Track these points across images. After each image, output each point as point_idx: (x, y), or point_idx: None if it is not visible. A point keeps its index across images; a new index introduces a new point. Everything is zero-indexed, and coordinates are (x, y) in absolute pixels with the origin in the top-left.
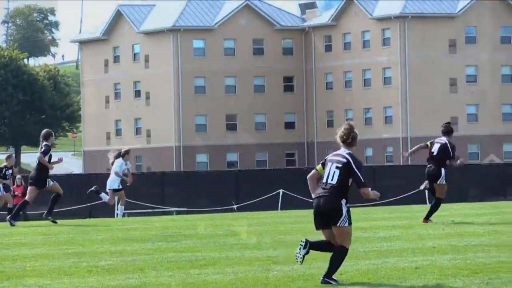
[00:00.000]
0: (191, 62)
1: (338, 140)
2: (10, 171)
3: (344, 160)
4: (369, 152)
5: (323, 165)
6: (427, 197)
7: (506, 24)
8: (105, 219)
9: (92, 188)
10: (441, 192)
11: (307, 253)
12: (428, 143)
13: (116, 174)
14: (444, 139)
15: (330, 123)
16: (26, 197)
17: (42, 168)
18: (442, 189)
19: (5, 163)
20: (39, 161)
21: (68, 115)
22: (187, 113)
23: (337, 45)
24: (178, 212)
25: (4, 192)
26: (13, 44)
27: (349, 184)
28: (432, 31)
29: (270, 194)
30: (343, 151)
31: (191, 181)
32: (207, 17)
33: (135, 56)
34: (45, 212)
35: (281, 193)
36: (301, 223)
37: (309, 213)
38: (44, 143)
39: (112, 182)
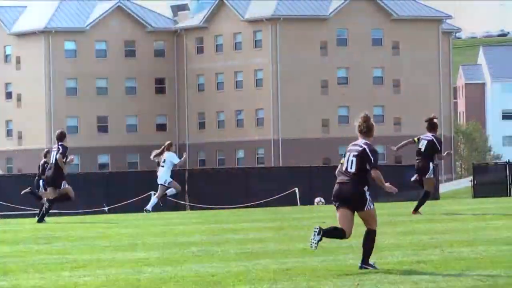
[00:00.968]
0: (63, 63)
1: (356, 131)
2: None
3: (360, 149)
4: (241, 154)
5: (344, 156)
6: (298, 198)
7: (377, 26)
8: None
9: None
10: (429, 185)
11: (320, 239)
12: (416, 139)
13: (179, 163)
14: (429, 136)
15: (201, 125)
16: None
17: (59, 169)
18: (430, 183)
19: (44, 159)
20: (56, 162)
21: None
22: (58, 115)
23: (209, 47)
24: (50, 214)
25: (44, 190)
26: None
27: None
28: (304, 33)
29: (141, 196)
30: (360, 141)
31: None
32: (79, 19)
33: (6, 57)
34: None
35: (153, 195)
36: (172, 225)
37: (181, 215)
38: (60, 143)
39: (167, 175)
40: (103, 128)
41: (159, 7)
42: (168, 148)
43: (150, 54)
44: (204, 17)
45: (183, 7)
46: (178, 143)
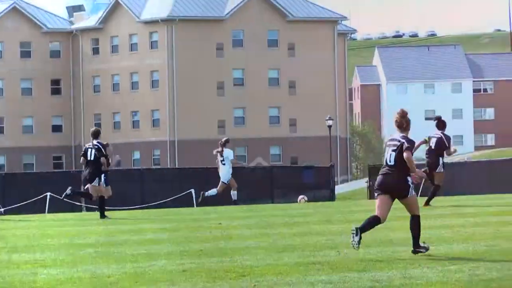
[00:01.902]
0: None
1: (394, 126)
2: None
3: (398, 143)
4: (137, 155)
5: (385, 150)
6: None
7: (273, 27)
8: None
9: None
10: (439, 179)
11: (360, 238)
12: (426, 138)
13: (232, 161)
14: (439, 133)
15: (97, 126)
16: (97, 194)
17: (100, 166)
18: (440, 177)
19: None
20: (96, 159)
21: None
22: None
23: (104, 48)
24: None
25: (105, 185)
26: None
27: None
28: (199, 34)
29: (37, 197)
30: (398, 135)
31: None
32: None
33: None
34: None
35: (48, 196)
36: (69, 226)
37: (77, 216)
38: (97, 140)
39: (229, 173)
40: None
41: (55, 8)
42: (225, 144)
43: (46, 55)
44: (99, 18)
45: (79, 8)
46: (74, 144)
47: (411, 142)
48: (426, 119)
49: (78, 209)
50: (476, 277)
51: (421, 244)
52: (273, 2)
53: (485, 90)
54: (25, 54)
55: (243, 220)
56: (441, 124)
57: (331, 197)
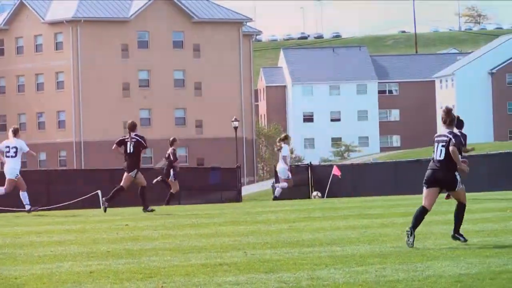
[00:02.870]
0: None
1: (441, 122)
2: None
3: (446, 139)
4: (43, 156)
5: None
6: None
7: (178, 28)
8: None
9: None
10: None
11: (414, 237)
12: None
13: (284, 158)
14: (456, 131)
15: (3, 128)
16: (122, 184)
17: (139, 159)
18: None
19: (172, 147)
20: (136, 150)
21: None
22: None
23: (9, 49)
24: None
25: (173, 179)
26: None
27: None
28: (105, 35)
29: None
30: (445, 131)
31: None
32: None
33: None
34: (143, 207)
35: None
36: None
37: None
38: (134, 133)
39: (286, 171)
40: None
41: None
42: (284, 139)
43: None
44: (4, 19)
45: None
46: None
47: (456, 136)
48: (332, 120)
49: None
50: (383, 278)
51: (461, 234)
52: (178, 4)
53: (390, 91)
54: None
55: (149, 221)
56: (459, 123)
57: (238, 198)
